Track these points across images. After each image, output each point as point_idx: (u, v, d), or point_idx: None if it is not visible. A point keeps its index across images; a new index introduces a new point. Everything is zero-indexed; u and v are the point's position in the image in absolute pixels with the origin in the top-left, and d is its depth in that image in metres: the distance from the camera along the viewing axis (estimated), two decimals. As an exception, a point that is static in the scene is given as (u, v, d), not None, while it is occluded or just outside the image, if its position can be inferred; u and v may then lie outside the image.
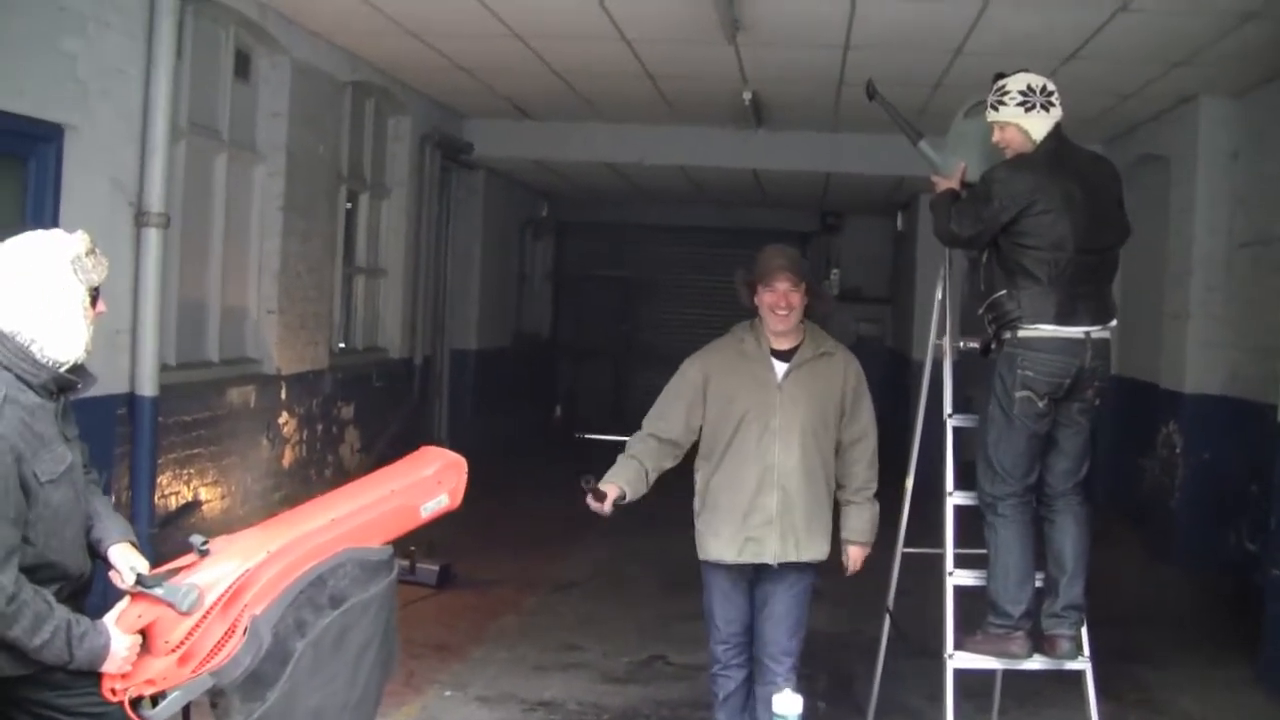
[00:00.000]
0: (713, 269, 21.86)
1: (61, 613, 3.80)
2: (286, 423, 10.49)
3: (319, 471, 11.17)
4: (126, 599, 4.01)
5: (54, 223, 7.40)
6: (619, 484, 5.86)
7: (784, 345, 5.97)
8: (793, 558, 5.88)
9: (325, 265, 11.31)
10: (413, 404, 13.80)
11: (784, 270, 5.88)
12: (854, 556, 6.03)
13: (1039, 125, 5.94)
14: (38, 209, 7.36)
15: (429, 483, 4.47)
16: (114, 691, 3.91)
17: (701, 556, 6.08)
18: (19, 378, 3.87)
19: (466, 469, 4.60)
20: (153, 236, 8.02)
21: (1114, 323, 6.04)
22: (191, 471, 8.81)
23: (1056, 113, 5.97)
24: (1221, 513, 11.09)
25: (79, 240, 4.03)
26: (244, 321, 10.04)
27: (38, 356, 3.91)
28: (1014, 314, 5.85)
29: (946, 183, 6.36)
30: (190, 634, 3.91)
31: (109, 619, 3.93)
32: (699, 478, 6.11)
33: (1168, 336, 11.74)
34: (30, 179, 7.36)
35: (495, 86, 12.74)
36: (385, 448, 12.61)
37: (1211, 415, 11.36)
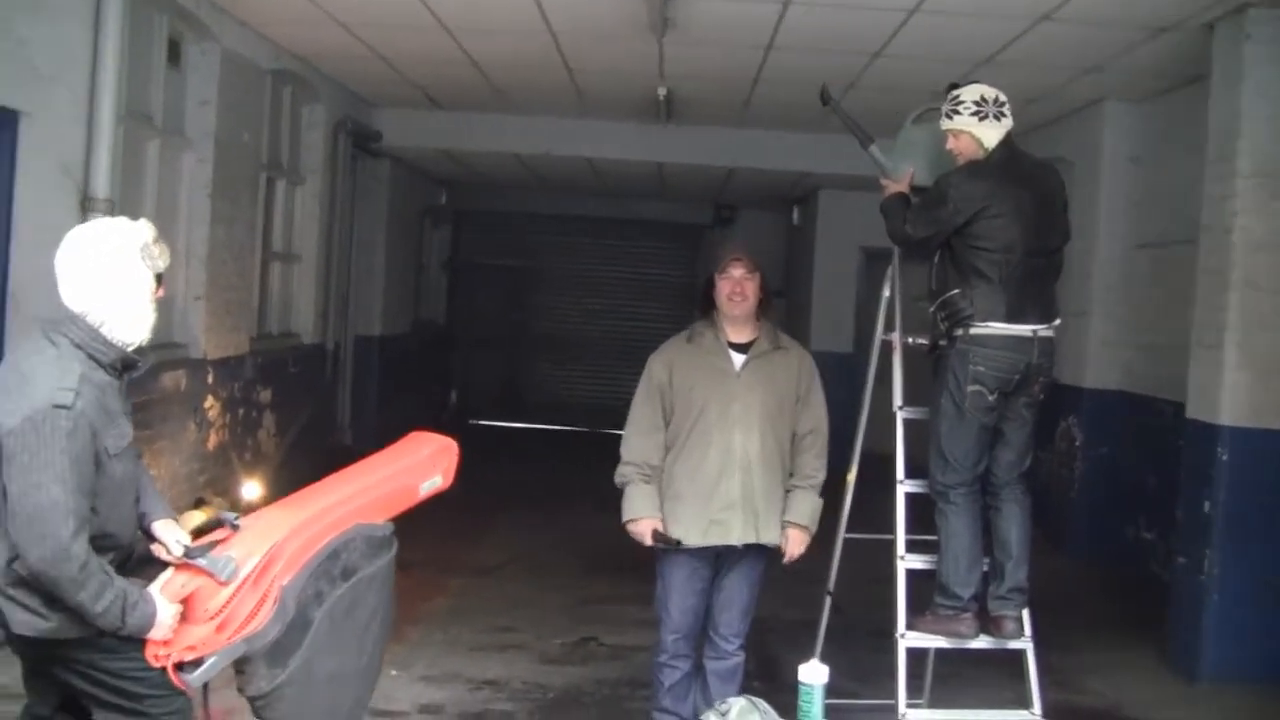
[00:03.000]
0: (608, 259, 22.11)
1: (120, 582, 4.02)
2: (212, 407, 10.53)
3: (239, 454, 11.22)
4: (170, 570, 4.21)
5: (8, 208, 7.45)
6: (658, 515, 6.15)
7: (741, 338, 6.22)
8: (754, 539, 6.11)
9: (247, 252, 11.35)
10: (326, 388, 13.87)
11: (738, 259, 6.16)
12: (794, 539, 6.19)
13: (991, 134, 6.24)
14: (-8, 194, 7.40)
15: (425, 464, 4.83)
16: (158, 657, 4.12)
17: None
18: (91, 356, 4.08)
19: (458, 451, 4.93)
20: (98, 223, 8.03)
21: (1058, 321, 6.36)
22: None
23: (1008, 122, 6.28)
24: (1119, 505, 11.53)
25: (145, 228, 4.25)
26: (172, 307, 10.05)
27: (107, 336, 4.14)
28: (966, 312, 6.14)
29: (895, 186, 6.61)
30: (228, 602, 4.14)
31: (155, 588, 4.14)
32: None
33: (1068, 333, 12.06)
34: (-15, 163, 7.38)
35: (410, 76, 12.82)
36: (299, 432, 12.70)
37: (1110, 410, 11.81)
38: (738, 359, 6.19)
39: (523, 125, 15.09)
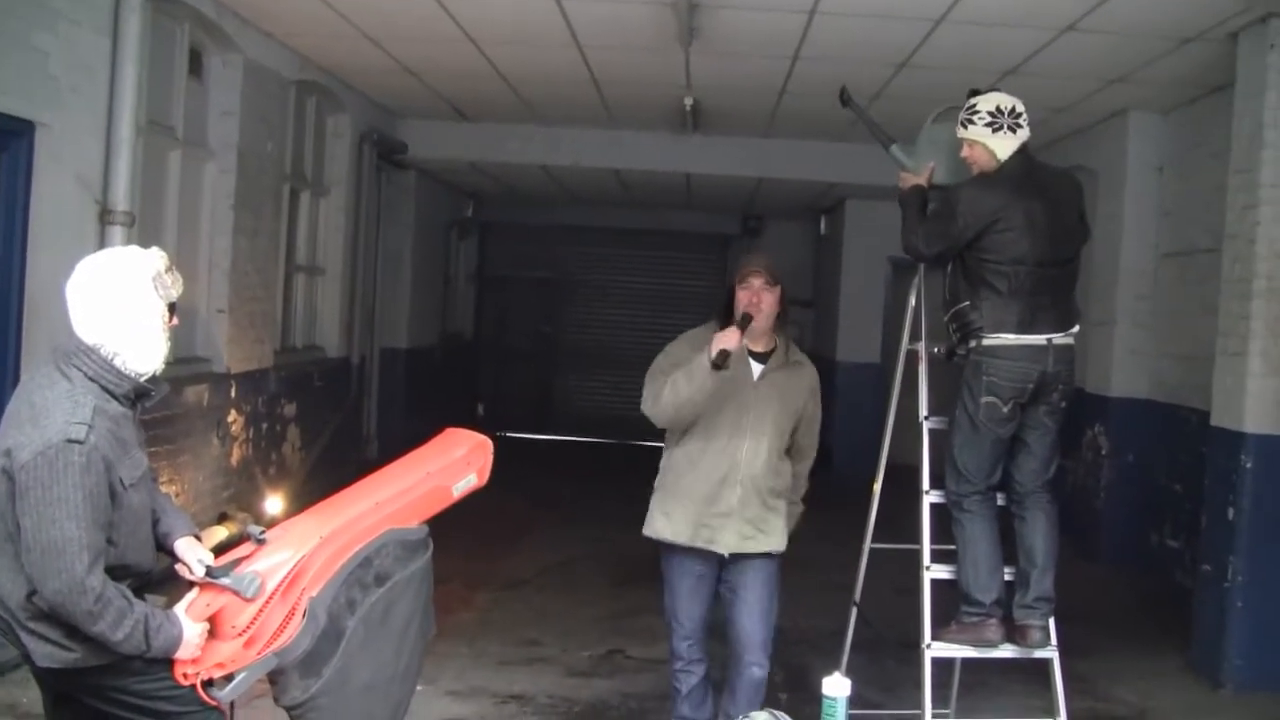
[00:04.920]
0: (636, 271, 22.08)
1: (140, 607, 4.01)
2: (235, 421, 10.53)
3: (264, 469, 11.22)
4: (195, 589, 4.22)
5: (24, 220, 7.46)
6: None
7: (759, 348, 6.17)
8: (748, 549, 6.07)
9: (271, 264, 11.34)
10: (351, 402, 13.87)
11: (757, 270, 6.09)
12: None
13: (1004, 146, 6.19)
14: (8, 206, 7.42)
15: (460, 464, 4.79)
16: (186, 676, 4.13)
17: (646, 532, 6.24)
18: (104, 389, 4.06)
19: (492, 449, 4.91)
20: (118, 235, 8.02)
21: (1076, 328, 6.30)
22: (151, 469, 8.80)
23: (1024, 133, 6.21)
24: (1145, 512, 11.52)
25: (158, 257, 4.23)
26: (195, 320, 10.06)
27: (121, 368, 4.12)
28: (976, 324, 6.13)
29: (914, 178, 6.57)
30: (255, 618, 4.16)
31: (180, 609, 4.14)
32: (664, 456, 6.29)
33: (1094, 343, 12.07)
34: (2, 176, 7.37)
35: (438, 89, 12.83)
36: (325, 446, 12.69)
37: (1136, 419, 11.76)
38: (756, 368, 6.16)
39: (550, 137, 15.08)
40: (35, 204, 7.51)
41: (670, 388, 5.93)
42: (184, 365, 9.70)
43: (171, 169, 9.61)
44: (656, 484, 6.27)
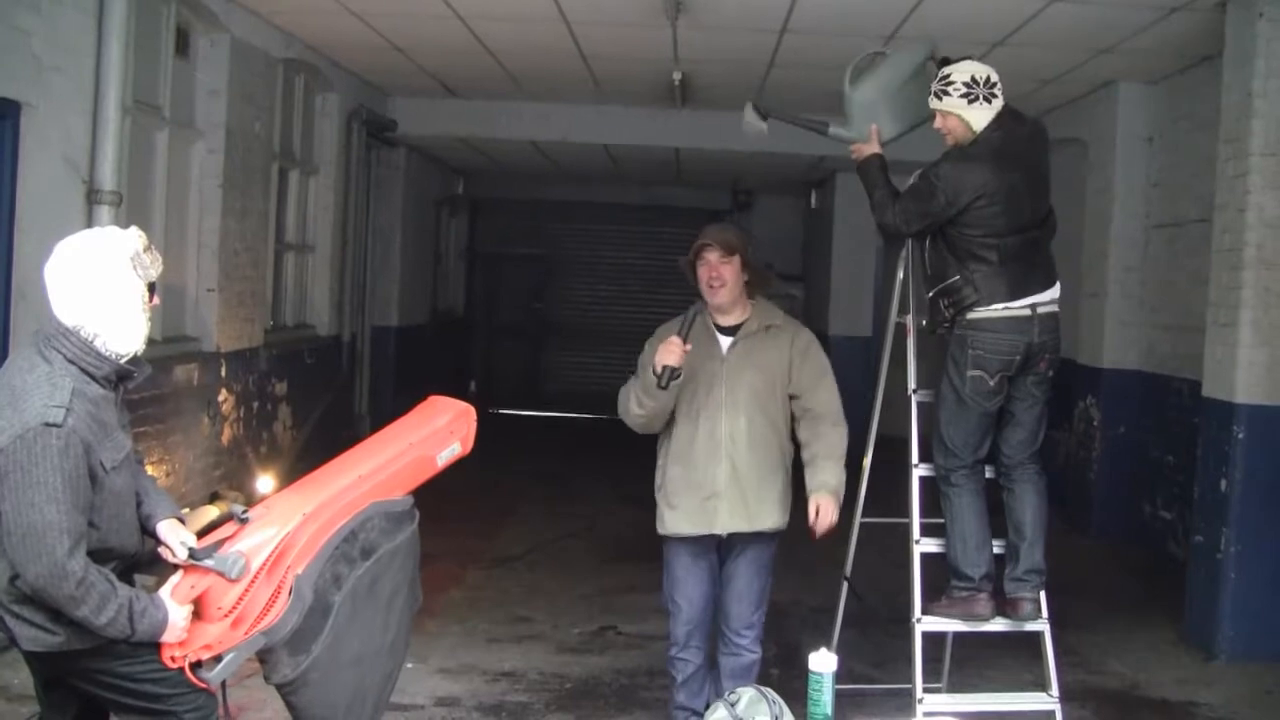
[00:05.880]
0: (626, 246, 22.07)
1: (124, 591, 3.99)
2: (225, 400, 10.52)
3: (255, 448, 11.22)
4: (179, 572, 4.19)
5: (11, 201, 7.43)
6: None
7: (729, 321, 6.03)
8: (744, 528, 5.93)
9: (260, 243, 11.33)
10: (342, 380, 13.86)
11: (709, 243, 5.93)
12: (824, 507, 5.83)
13: (980, 117, 6.08)
14: (-5, 187, 7.38)
15: (443, 433, 4.75)
16: (174, 659, 4.12)
17: (660, 531, 6.11)
18: (84, 371, 4.03)
19: (475, 417, 4.87)
20: (105, 214, 8.00)
21: (1057, 289, 6.22)
22: (140, 450, 8.78)
23: (999, 103, 6.09)
24: (1137, 484, 11.54)
25: (136, 237, 4.20)
26: (184, 300, 10.05)
27: (101, 350, 4.08)
28: (971, 298, 6.05)
29: (867, 148, 6.44)
30: (240, 599, 4.14)
31: (164, 592, 4.12)
32: (659, 456, 6.16)
33: (1085, 314, 12.08)
34: (-13, 156, 7.36)
35: (425, 65, 12.78)
36: (316, 424, 12.68)
37: (1128, 390, 11.78)
38: (725, 341, 6.01)
39: (539, 112, 15.04)
40: (22, 185, 7.48)
41: (634, 402, 5.90)
42: (174, 344, 9.68)
43: (159, 149, 9.58)
44: (656, 482, 6.14)
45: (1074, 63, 10.80)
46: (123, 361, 4.15)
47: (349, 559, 4.33)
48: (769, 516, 6.00)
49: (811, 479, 5.94)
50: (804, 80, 11.76)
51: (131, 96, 8.68)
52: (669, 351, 5.65)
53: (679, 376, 5.69)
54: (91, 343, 4.06)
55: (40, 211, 7.50)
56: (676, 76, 12.31)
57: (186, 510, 5.27)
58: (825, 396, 6.05)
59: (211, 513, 5.57)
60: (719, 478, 5.91)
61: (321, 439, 12.63)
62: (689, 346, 5.71)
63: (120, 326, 4.11)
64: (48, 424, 3.84)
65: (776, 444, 6.03)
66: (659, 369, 5.65)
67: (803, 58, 10.97)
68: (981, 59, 6.34)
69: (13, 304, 7.42)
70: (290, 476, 10.41)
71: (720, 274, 5.91)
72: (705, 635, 6.19)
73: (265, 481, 10.31)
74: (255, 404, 11.29)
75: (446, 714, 7.05)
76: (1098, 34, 9.79)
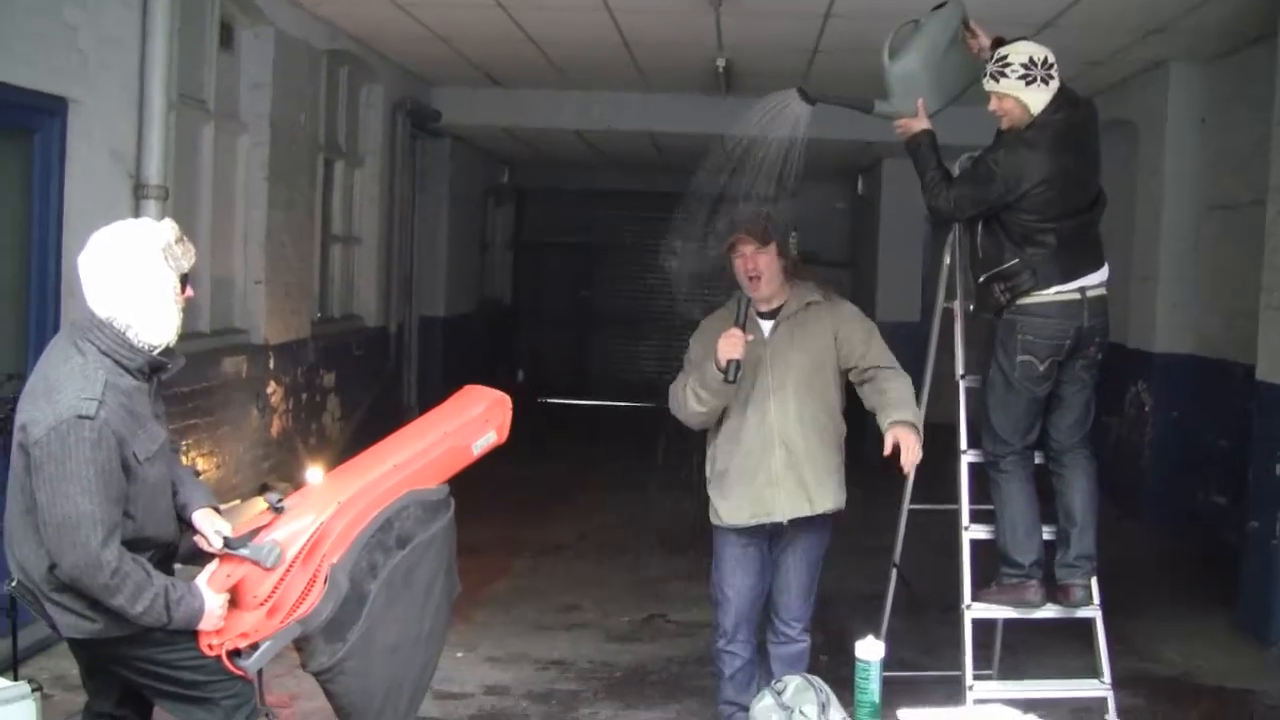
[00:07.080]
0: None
1: (160, 580, 4.02)
2: (274, 392, 10.56)
3: (304, 440, 11.25)
4: (215, 561, 4.21)
5: (59, 197, 7.46)
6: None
7: (769, 305, 5.95)
8: (805, 512, 5.85)
9: (306, 234, 11.35)
10: (390, 371, 13.89)
11: (742, 235, 5.84)
12: (905, 440, 5.62)
13: (1038, 99, 5.95)
14: (44, 184, 7.43)
15: (478, 421, 4.77)
16: (211, 646, 4.15)
17: (714, 522, 6.04)
18: (117, 363, 4.06)
19: (511, 405, 4.87)
20: (152, 209, 7.98)
21: (1106, 270, 6.14)
22: (189, 442, 8.86)
23: (1055, 84, 5.98)
24: (1190, 470, 11.37)
25: (169, 228, 4.21)
26: (231, 292, 10.09)
27: (133, 341, 4.11)
28: (1028, 283, 5.97)
29: (915, 123, 6.29)
30: (276, 587, 4.18)
31: (200, 580, 4.15)
32: (709, 446, 6.10)
33: (1136, 298, 11.96)
34: (36, 153, 7.39)
35: (469, 55, 12.77)
36: (365, 415, 12.71)
37: (1180, 374, 11.63)
38: (766, 326, 5.94)
39: (583, 101, 14.99)
40: (70, 181, 7.52)
41: (694, 400, 5.80)
42: (222, 337, 9.73)
43: (205, 142, 9.61)
44: (707, 473, 6.07)
45: (1124, 43, 10.65)
46: (155, 353, 4.18)
47: (385, 548, 4.35)
48: (829, 498, 5.93)
49: (885, 418, 5.73)
50: (848, 65, 11.67)
51: (176, 90, 8.67)
52: (731, 345, 5.55)
53: (741, 369, 5.62)
54: (124, 334, 4.09)
55: (88, 207, 7.52)
56: (720, 63, 12.22)
57: (237, 501, 5.29)
58: (878, 353, 5.96)
59: (260, 504, 5.59)
60: (774, 465, 5.84)
61: (370, 430, 12.55)
62: (751, 337, 5.65)
63: (152, 317, 4.13)
64: (80, 416, 3.88)
65: (829, 424, 5.97)
66: (723, 363, 5.56)
67: (848, 42, 10.88)
68: (1018, 38, 6.23)
69: (63, 299, 7.45)
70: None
71: (757, 265, 5.83)
72: (753, 629, 6.12)
73: (314, 473, 10.29)
74: (304, 395, 11.33)
75: (496, 702, 7.06)
76: (1148, 14, 9.67)
